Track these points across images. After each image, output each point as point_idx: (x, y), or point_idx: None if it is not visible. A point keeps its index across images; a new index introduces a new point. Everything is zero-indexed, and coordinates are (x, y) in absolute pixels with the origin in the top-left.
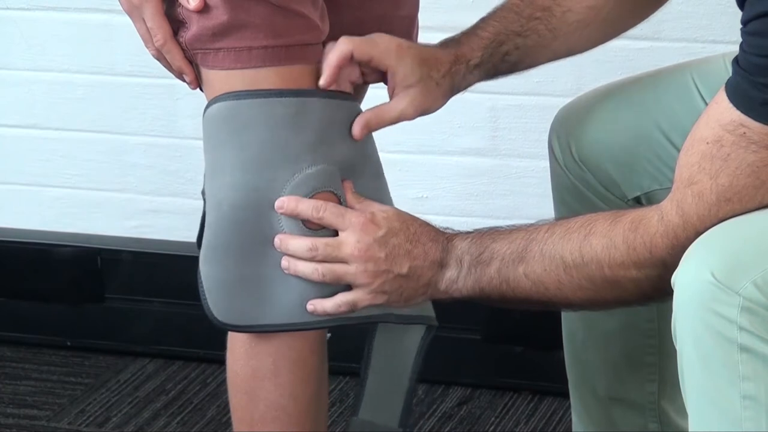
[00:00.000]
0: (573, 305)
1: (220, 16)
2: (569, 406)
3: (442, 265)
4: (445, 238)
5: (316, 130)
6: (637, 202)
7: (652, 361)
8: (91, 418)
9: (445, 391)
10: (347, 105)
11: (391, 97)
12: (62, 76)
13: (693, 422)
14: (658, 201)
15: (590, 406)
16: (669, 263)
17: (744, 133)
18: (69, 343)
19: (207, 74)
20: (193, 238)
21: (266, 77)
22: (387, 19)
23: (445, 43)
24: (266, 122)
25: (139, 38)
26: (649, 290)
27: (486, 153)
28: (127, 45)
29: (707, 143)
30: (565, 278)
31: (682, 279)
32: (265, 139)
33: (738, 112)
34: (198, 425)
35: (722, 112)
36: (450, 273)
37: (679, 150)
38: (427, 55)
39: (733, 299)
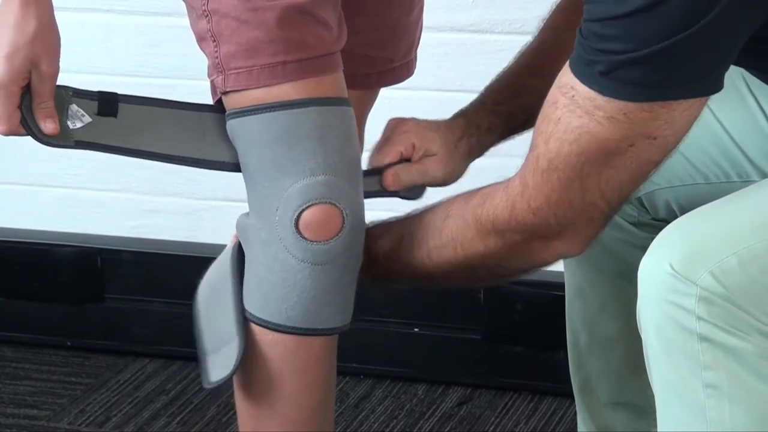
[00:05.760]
0: (442, 284)
1: (251, 31)
2: (569, 406)
3: None
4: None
5: (313, 139)
6: (640, 204)
7: None
8: (91, 418)
9: (445, 391)
10: (342, 111)
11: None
12: (61, 76)
13: (659, 411)
14: (658, 201)
15: (594, 410)
16: (507, 235)
17: (573, 96)
18: (69, 343)
19: (239, 98)
20: (194, 238)
21: (296, 90)
22: (400, 23)
23: (456, 115)
24: (260, 138)
25: (138, 38)
26: (494, 266)
27: (486, 153)
28: (126, 45)
29: (548, 104)
30: (428, 263)
31: (644, 270)
32: (262, 155)
33: (572, 75)
34: (198, 425)
35: (562, 74)
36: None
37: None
38: (442, 127)
39: (691, 289)
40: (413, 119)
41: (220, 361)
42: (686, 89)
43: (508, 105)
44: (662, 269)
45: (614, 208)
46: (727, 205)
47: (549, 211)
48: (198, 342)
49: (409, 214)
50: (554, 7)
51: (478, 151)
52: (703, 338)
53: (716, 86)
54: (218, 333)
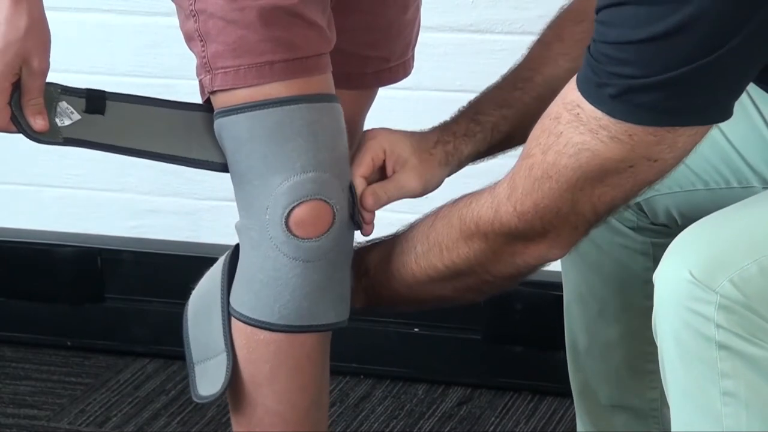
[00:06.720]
0: (432, 296)
1: (237, 31)
2: (569, 406)
3: None
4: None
5: (304, 136)
6: (639, 209)
7: (653, 368)
8: (91, 418)
9: (445, 391)
10: (331, 107)
11: (390, 175)
12: (61, 77)
13: (674, 419)
14: (658, 207)
15: (593, 413)
16: (490, 237)
17: (578, 113)
18: (69, 343)
19: (227, 97)
20: (194, 238)
21: (285, 88)
22: (395, 23)
23: (433, 126)
24: (251, 135)
25: (138, 38)
26: (480, 271)
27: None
28: (125, 45)
29: (550, 119)
30: (416, 269)
31: (661, 277)
32: (252, 153)
33: (578, 93)
34: (198, 425)
35: (568, 91)
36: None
37: None
38: (415, 135)
39: (711, 297)
40: (384, 128)
41: (207, 373)
42: (697, 116)
43: (489, 115)
44: (681, 276)
45: (601, 219)
46: (743, 211)
47: (535, 216)
48: (186, 351)
49: (400, 229)
50: (547, 25)
51: (457, 158)
52: (722, 346)
53: (727, 114)
54: (206, 344)
